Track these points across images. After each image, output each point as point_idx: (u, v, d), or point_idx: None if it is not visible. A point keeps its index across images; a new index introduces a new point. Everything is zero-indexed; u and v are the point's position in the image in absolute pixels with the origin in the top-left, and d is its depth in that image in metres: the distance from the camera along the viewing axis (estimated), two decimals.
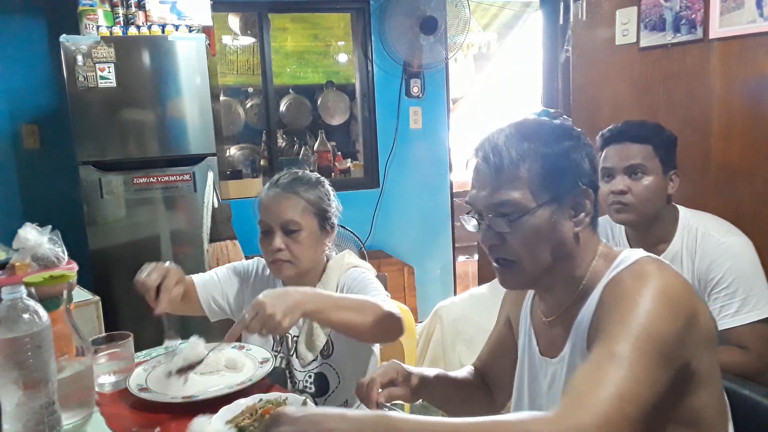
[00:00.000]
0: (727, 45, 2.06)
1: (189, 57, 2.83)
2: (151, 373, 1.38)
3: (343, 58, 4.70)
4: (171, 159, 2.87)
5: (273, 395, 1.20)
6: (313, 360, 1.49)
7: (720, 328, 1.50)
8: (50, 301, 1.14)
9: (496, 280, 3.34)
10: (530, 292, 1.15)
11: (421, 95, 3.96)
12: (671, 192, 1.62)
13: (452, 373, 1.25)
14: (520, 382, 1.13)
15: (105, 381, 1.36)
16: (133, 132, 2.83)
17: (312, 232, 1.47)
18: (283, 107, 4.37)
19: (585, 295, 0.98)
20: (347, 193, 3.77)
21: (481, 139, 1.01)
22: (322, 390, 1.48)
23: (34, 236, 1.75)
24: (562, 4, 3.65)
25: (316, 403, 1.41)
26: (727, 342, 1.50)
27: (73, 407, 1.16)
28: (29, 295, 1.01)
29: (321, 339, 1.49)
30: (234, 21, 4.32)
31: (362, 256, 3.13)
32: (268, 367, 1.37)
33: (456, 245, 4.24)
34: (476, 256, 3.96)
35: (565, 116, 3.50)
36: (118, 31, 2.79)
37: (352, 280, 1.50)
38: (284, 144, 4.47)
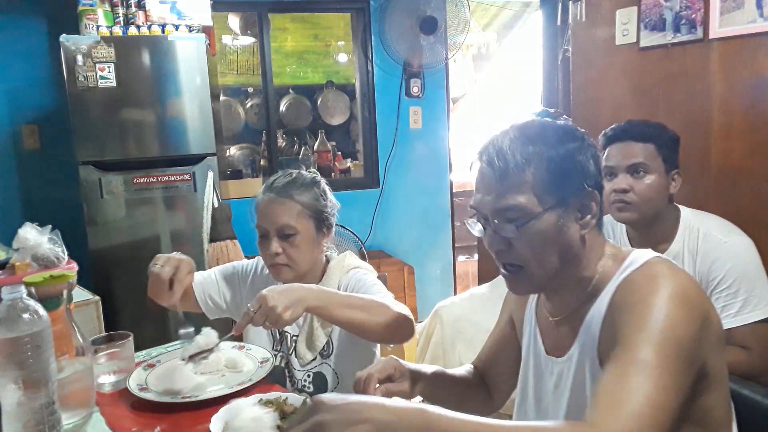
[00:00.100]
0: (727, 45, 2.06)
1: (189, 57, 2.83)
2: (159, 367, 1.40)
3: (343, 58, 4.70)
4: (171, 159, 2.87)
5: (273, 395, 1.20)
6: (312, 360, 1.50)
7: None
8: (50, 301, 1.14)
9: (496, 280, 3.35)
10: None
11: (421, 95, 3.96)
12: (673, 191, 1.63)
13: (450, 371, 1.25)
14: (525, 382, 1.13)
15: (105, 381, 1.36)
16: (133, 132, 2.83)
17: (308, 234, 1.47)
18: (283, 107, 4.37)
19: (594, 296, 0.97)
20: (347, 193, 3.77)
21: (485, 142, 0.99)
22: (320, 390, 1.48)
23: (34, 236, 1.75)
24: (561, 4, 3.65)
25: None
26: (728, 342, 1.50)
27: (73, 407, 1.16)
28: (29, 295, 1.01)
29: (321, 339, 1.49)
30: (234, 21, 4.32)
31: (362, 256, 3.13)
32: (268, 367, 1.37)
33: (456, 245, 4.24)
34: (476, 256, 3.95)
35: (565, 116, 3.50)
36: (118, 31, 2.79)
37: (355, 282, 1.50)
38: (284, 144, 4.47)
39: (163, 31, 2.83)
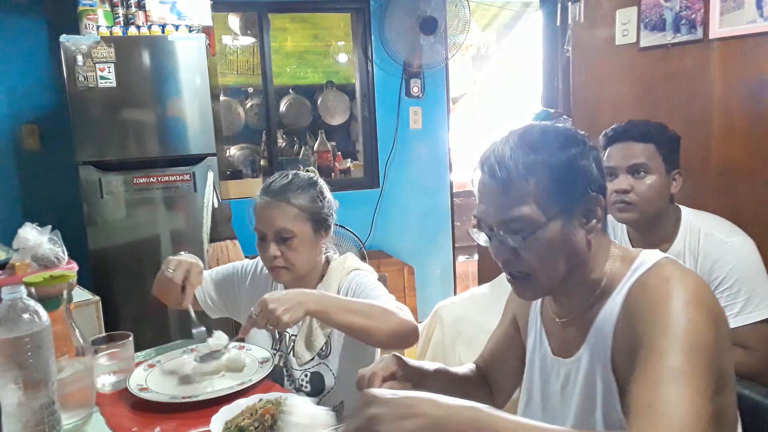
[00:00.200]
0: (727, 45, 2.06)
1: (189, 57, 2.83)
2: (160, 367, 1.42)
3: (343, 58, 4.70)
4: (171, 159, 2.87)
5: (273, 395, 1.20)
6: (311, 360, 1.50)
7: None
8: (50, 301, 1.14)
9: (496, 280, 3.35)
10: None
11: (421, 95, 3.96)
12: (674, 191, 1.62)
13: (453, 369, 1.25)
14: (530, 382, 1.13)
15: (105, 381, 1.36)
16: (133, 132, 2.83)
17: (306, 237, 1.47)
18: (283, 107, 4.37)
19: (603, 298, 0.97)
20: (347, 193, 3.77)
21: (485, 151, 0.98)
22: (317, 390, 1.48)
23: (34, 236, 1.75)
24: (560, 4, 3.65)
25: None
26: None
27: (73, 407, 1.16)
28: (29, 295, 1.01)
29: (320, 340, 1.50)
30: (234, 21, 4.32)
31: (362, 256, 3.13)
32: (268, 367, 1.37)
33: (456, 245, 4.24)
34: (476, 256, 3.95)
35: (565, 116, 3.51)
36: (118, 31, 2.79)
37: (356, 285, 1.50)
38: (284, 144, 4.47)
39: (163, 31, 2.83)
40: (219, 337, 1.42)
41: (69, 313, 1.22)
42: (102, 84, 2.70)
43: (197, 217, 2.88)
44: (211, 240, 2.89)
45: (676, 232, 1.61)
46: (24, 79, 3.21)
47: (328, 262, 1.58)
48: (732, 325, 1.48)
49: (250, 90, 4.53)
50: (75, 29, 2.82)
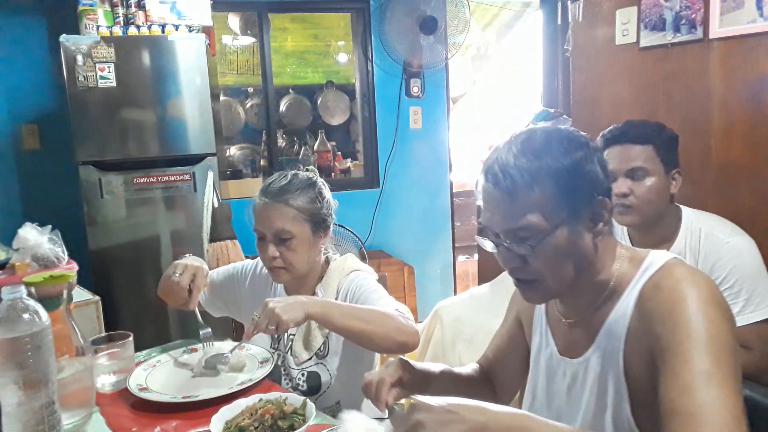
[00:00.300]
0: (727, 45, 2.06)
1: (189, 57, 2.83)
2: (160, 367, 1.43)
3: (343, 58, 4.70)
4: (171, 159, 2.87)
5: (273, 395, 1.20)
6: (308, 359, 1.50)
7: None
8: (50, 301, 1.14)
9: (496, 280, 3.35)
10: None
11: (421, 95, 3.96)
12: (674, 191, 1.62)
13: (456, 370, 1.25)
14: (534, 382, 1.12)
15: (105, 381, 1.36)
16: (133, 132, 2.83)
17: (305, 238, 1.48)
18: (283, 107, 4.37)
19: (612, 298, 0.97)
20: (347, 193, 3.77)
21: (488, 158, 0.97)
22: (313, 389, 1.49)
23: (34, 236, 1.75)
24: (560, 4, 3.66)
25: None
26: None
27: (73, 407, 1.16)
28: (29, 295, 1.01)
29: (318, 340, 1.50)
30: (234, 21, 4.32)
31: (362, 256, 3.13)
32: (268, 367, 1.38)
33: (456, 245, 4.23)
34: (476, 256, 3.96)
35: (565, 116, 3.51)
36: (118, 31, 2.79)
37: (356, 287, 1.50)
38: (284, 144, 4.47)
39: (163, 31, 2.83)
40: (223, 343, 1.47)
41: (69, 313, 1.22)
42: (102, 84, 2.71)
43: (197, 217, 2.89)
44: (211, 240, 2.89)
45: (677, 232, 1.61)
46: (24, 79, 3.21)
47: (327, 262, 1.59)
48: None
49: (250, 90, 4.53)
50: (75, 29, 2.82)
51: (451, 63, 4.10)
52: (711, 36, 2.10)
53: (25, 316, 0.97)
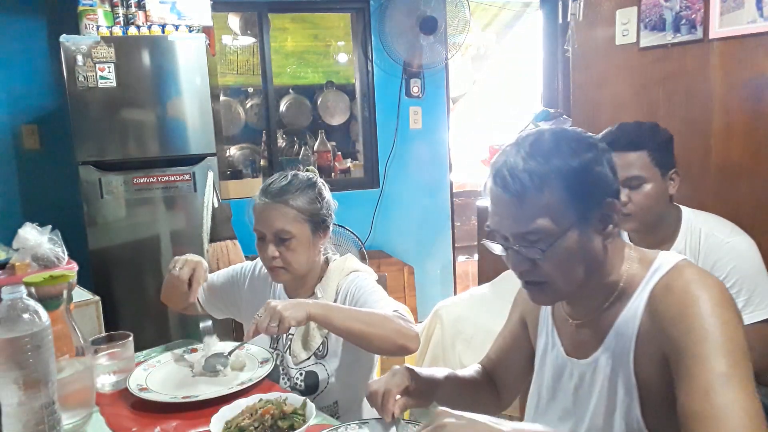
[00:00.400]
0: (727, 45, 2.06)
1: (189, 57, 2.83)
2: (160, 367, 1.43)
3: (343, 58, 4.70)
4: (171, 159, 2.87)
5: (273, 395, 1.20)
6: (307, 359, 1.51)
7: None
8: (50, 301, 1.14)
9: (496, 280, 3.34)
10: None
11: (421, 95, 3.96)
12: (672, 192, 1.61)
13: (460, 373, 1.25)
14: (540, 382, 1.12)
15: (105, 381, 1.36)
16: (133, 132, 2.83)
17: (305, 238, 1.48)
18: (283, 107, 4.37)
19: (621, 299, 0.97)
20: (347, 193, 3.77)
21: (496, 160, 0.96)
22: (311, 388, 1.49)
23: (34, 236, 1.75)
24: (561, 3, 3.65)
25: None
26: None
27: (73, 407, 1.16)
28: (29, 295, 1.01)
29: (316, 339, 1.51)
30: (234, 21, 4.32)
31: (362, 256, 3.13)
32: (268, 367, 1.38)
33: (456, 245, 4.24)
34: (476, 256, 3.96)
35: (565, 116, 3.51)
36: (118, 31, 2.79)
37: (356, 289, 1.50)
38: (284, 144, 4.47)
39: (163, 31, 2.83)
40: (225, 343, 1.47)
41: (69, 313, 1.22)
42: (102, 84, 2.70)
43: (197, 217, 2.89)
44: (211, 240, 2.89)
45: (677, 232, 1.61)
46: (24, 79, 3.21)
47: (327, 262, 1.59)
48: None
49: (250, 90, 4.53)
50: (75, 29, 2.82)
51: (451, 63, 4.10)
52: (711, 36, 2.10)
53: (25, 316, 0.97)
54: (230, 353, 1.41)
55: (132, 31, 2.81)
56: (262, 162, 4.11)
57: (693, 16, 2.14)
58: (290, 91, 4.47)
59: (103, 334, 1.48)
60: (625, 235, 1.71)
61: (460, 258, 4.71)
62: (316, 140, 4.18)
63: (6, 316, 0.96)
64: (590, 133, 0.98)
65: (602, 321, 0.99)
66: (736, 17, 2.02)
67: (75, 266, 1.83)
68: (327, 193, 1.55)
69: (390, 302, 1.44)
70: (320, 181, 1.56)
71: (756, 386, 1.12)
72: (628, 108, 2.40)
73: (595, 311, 1.00)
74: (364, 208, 3.89)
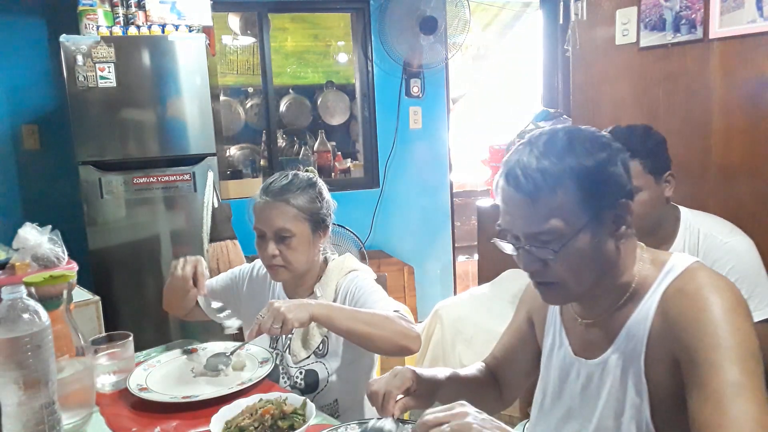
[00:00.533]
0: (727, 45, 2.06)
1: (189, 57, 2.83)
2: (160, 367, 1.44)
3: (343, 58, 4.70)
4: (171, 159, 2.87)
5: (273, 395, 1.20)
6: (306, 357, 1.51)
7: None
8: (50, 301, 1.14)
9: (496, 280, 3.34)
10: None
11: (421, 95, 3.96)
12: (669, 194, 1.59)
13: (462, 372, 1.24)
14: (545, 381, 1.12)
15: (105, 381, 1.36)
16: (133, 132, 2.83)
17: (305, 237, 1.49)
18: (283, 107, 4.37)
19: (634, 300, 0.96)
20: (347, 193, 3.77)
21: (508, 159, 0.94)
22: (311, 386, 1.49)
23: (34, 236, 1.75)
24: (561, 3, 3.65)
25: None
26: None
27: (73, 407, 1.16)
28: (29, 295, 1.01)
29: (316, 339, 1.51)
30: (234, 21, 4.32)
31: (362, 256, 3.13)
32: (268, 367, 1.38)
33: (456, 245, 4.24)
34: (476, 256, 3.96)
35: (565, 116, 3.50)
36: (118, 31, 2.79)
37: (356, 288, 1.51)
38: (284, 144, 4.47)
39: (163, 31, 2.83)
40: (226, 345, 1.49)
41: (69, 313, 1.22)
42: (102, 84, 2.71)
43: (197, 217, 2.89)
44: (211, 240, 2.89)
45: (676, 233, 1.61)
46: (24, 79, 3.21)
47: (326, 262, 1.60)
48: None
49: (250, 90, 4.53)
50: (75, 29, 2.82)
51: (451, 63, 4.10)
52: (711, 36, 2.10)
53: (25, 316, 0.97)
54: (232, 353, 1.41)
55: (132, 31, 2.81)
56: (262, 162, 4.11)
57: (693, 16, 2.14)
58: (290, 91, 4.47)
59: (103, 334, 1.48)
60: None
61: (460, 258, 4.71)
62: (316, 140, 4.18)
63: (6, 316, 0.96)
64: (605, 133, 0.97)
65: (613, 321, 0.98)
66: (736, 17, 2.02)
67: (75, 266, 1.83)
68: (327, 193, 1.56)
69: (390, 302, 1.44)
70: (320, 182, 1.57)
71: None
72: (628, 108, 2.40)
73: (606, 311, 0.99)
74: (364, 208, 3.89)
